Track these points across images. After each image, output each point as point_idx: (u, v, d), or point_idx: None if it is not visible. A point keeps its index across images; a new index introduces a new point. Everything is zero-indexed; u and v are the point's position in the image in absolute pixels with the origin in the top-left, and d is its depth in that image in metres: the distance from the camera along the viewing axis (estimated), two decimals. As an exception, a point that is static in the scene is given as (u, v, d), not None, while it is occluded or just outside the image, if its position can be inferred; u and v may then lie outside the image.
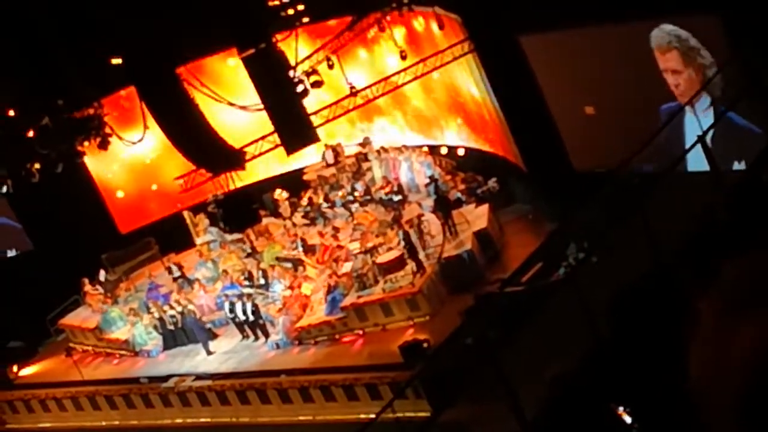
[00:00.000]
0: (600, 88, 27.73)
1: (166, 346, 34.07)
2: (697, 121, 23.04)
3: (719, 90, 23.49)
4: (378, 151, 36.95)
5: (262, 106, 31.42)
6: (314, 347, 30.22)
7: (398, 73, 33.65)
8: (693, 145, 18.89)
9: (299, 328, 30.68)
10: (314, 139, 32.41)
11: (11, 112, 31.82)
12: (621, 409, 13.97)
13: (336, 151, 38.55)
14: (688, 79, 24.85)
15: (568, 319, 16.91)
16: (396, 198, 33.93)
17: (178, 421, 32.66)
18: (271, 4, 31.53)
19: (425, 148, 36.25)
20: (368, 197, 35.22)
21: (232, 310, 32.01)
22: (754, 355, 2.46)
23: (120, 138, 33.84)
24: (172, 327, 33.70)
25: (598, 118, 28.34)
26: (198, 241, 37.80)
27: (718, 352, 2.54)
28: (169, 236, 39.02)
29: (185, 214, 38.52)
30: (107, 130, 32.59)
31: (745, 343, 2.49)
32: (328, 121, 34.22)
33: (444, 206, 31.36)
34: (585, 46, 27.67)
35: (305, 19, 32.40)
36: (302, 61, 32.43)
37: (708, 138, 20.68)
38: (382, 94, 34.32)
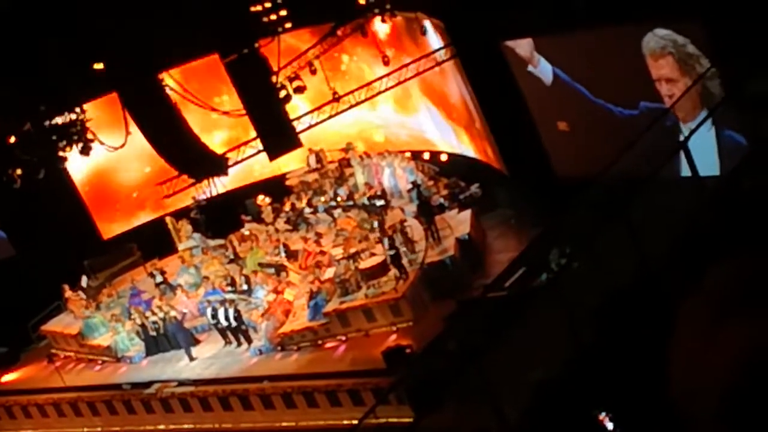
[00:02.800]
0: (583, 94, 27.78)
1: (149, 352, 33.99)
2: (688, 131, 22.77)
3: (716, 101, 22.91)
4: (361, 157, 36.96)
5: (244, 112, 31.39)
6: (297, 353, 30.19)
7: (381, 78, 33.68)
8: (675, 152, 18.89)
9: (282, 333, 30.64)
10: (297, 144, 32.37)
11: (-7, 118, 31.72)
12: (603, 414, 13.99)
13: (318, 156, 38.56)
14: (684, 90, 24.03)
15: (551, 324, 16.92)
16: (379, 203, 33.92)
17: (161, 427, 32.57)
18: (253, 9, 31.50)
19: (408, 154, 36.28)
20: (351, 203, 35.21)
21: (214, 316, 31.97)
22: (737, 358, 2.47)
23: (102, 143, 33.71)
24: (154, 333, 33.63)
25: (579, 126, 28.38)
26: (180, 246, 37.73)
27: (701, 356, 2.54)
28: (152, 242, 38.97)
29: (168, 219, 38.48)
30: (89, 135, 32.48)
31: (728, 347, 2.49)
32: (311, 126, 34.21)
33: (427, 212, 31.38)
34: (569, 51, 27.70)
35: (288, 25, 32.38)
36: (285, 66, 32.40)
37: (715, 152, 20.56)
38: (365, 100, 34.32)
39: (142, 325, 33.82)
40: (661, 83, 25.09)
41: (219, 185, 34.33)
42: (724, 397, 2.47)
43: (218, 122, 37.58)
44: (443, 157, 36.07)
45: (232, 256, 35.79)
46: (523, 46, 28.96)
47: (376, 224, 31.22)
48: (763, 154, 17.97)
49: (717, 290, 2.65)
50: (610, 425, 13.96)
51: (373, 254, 30.26)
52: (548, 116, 29.46)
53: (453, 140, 35.38)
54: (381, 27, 33.02)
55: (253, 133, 33.23)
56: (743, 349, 2.49)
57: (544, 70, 28.79)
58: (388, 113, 38.18)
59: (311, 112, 34.31)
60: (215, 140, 36.56)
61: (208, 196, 35.89)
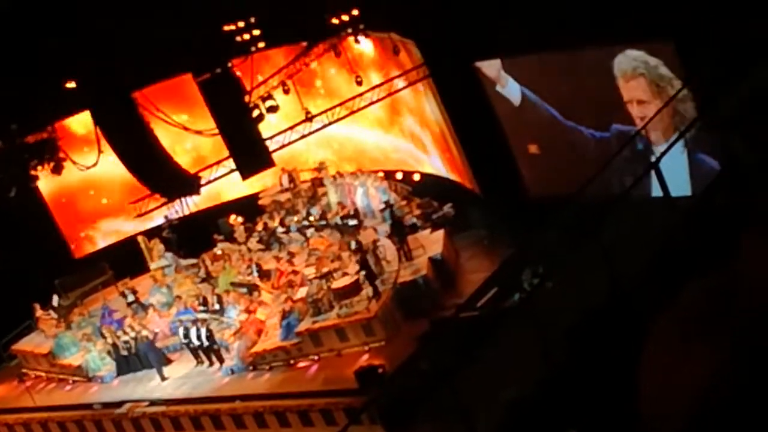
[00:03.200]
0: (553, 116, 27.84)
1: (120, 371, 33.84)
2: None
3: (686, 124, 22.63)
4: (333, 176, 36.97)
5: (217, 131, 31.35)
6: (269, 373, 30.11)
7: (354, 98, 33.70)
8: (646, 172, 18.94)
9: (254, 353, 30.56)
10: (269, 164, 32.36)
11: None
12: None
13: (291, 175, 38.55)
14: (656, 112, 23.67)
15: (524, 344, 16.93)
16: (352, 222, 33.92)
17: (132, 447, 32.44)
18: (226, 29, 31.52)
19: (381, 174, 36.29)
20: (324, 222, 35.19)
21: (186, 336, 31.86)
22: (707, 375, 2.48)
23: (74, 162, 33.65)
24: (125, 352, 33.50)
25: (550, 147, 28.42)
26: (152, 266, 37.61)
27: (673, 373, 2.56)
28: (124, 261, 38.83)
29: (140, 239, 38.38)
30: (61, 154, 32.41)
31: (699, 364, 2.51)
32: (283, 146, 34.18)
33: (399, 231, 31.39)
34: (539, 71, 27.77)
35: (261, 44, 32.40)
36: (258, 86, 32.41)
37: (687, 174, 20.52)
38: (338, 119, 34.33)
39: (114, 345, 33.68)
40: (632, 105, 24.98)
41: (190, 204, 34.31)
42: (694, 412, 2.49)
43: (183, 142, 37.69)
44: (416, 177, 36.10)
45: (204, 276, 35.68)
46: (490, 66, 29.01)
47: (354, 245, 31.12)
48: (734, 173, 18.05)
49: (689, 308, 2.68)
50: (582, 444, 13.97)
51: (345, 274, 30.25)
52: (518, 137, 29.52)
53: (436, 160, 35.33)
54: (354, 47, 33.06)
55: (218, 155, 33.32)
56: (713, 366, 2.51)
57: (512, 90, 28.85)
58: (369, 131, 38.11)
59: (284, 131, 34.27)
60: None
61: (181, 215, 35.83)
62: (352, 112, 34.01)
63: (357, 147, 38.88)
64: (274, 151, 33.05)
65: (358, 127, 37.87)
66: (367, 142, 38.36)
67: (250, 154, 31.27)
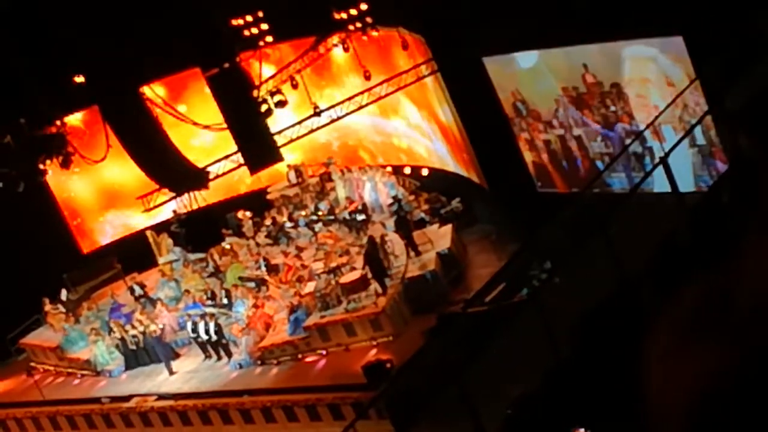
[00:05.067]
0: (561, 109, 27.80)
1: (128, 365, 33.89)
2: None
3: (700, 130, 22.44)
4: (342, 171, 36.96)
5: (225, 126, 31.36)
6: (277, 367, 30.14)
7: (362, 93, 33.69)
8: (654, 168, 18.94)
9: (262, 347, 30.60)
10: (278, 158, 32.38)
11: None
12: (582, 430, 14.00)
13: (299, 170, 38.53)
14: (663, 108, 23.12)
15: (531, 339, 16.93)
16: (360, 217, 33.93)
17: (140, 441, 32.50)
18: (234, 23, 31.52)
19: (389, 168, 36.28)
20: (332, 217, 35.21)
21: (194, 330, 31.90)
22: (703, 378, 2.48)
23: (83, 156, 33.65)
24: (134, 347, 33.54)
25: (560, 141, 28.40)
26: (161, 260, 37.66)
27: (670, 375, 2.55)
28: (132, 256, 38.85)
29: (148, 233, 38.42)
30: (70, 148, 32.42)
31: (696, 367, 2.50)
32: (291, 141, 34.19)
33: (404, 226, 31.35)
34: (547, 67, 27.73)
35: (269, 39, 32.40)
36: (266, 80, 32.41)
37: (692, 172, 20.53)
38: (346, 114, 34.33)
39: (122, 339, 33.72)
40: (639, 101, 24.85)
41: (199, 199, 34.33)
42: (690, 418, 2.48)
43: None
44: (424, 172, 36.08)
45: (212, 270, 35.71)
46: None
47: (365, 240, 31.11)
48: (740, 171, 18.02)
49: (689, 310, 2.66)
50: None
51: (353, 268, 30.26)
52: (522, 132, 29.50)
53: (444, 153, 35.28)
54: (363, 41, 33.04)
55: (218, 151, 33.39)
56: (713, 365, 2.50)
57: None
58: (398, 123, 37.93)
59: (292, 126, 34.28)
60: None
61: (189, 209, 35.84)
62: (360, 107, 34.02)
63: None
64: (283, 145, 33.08)
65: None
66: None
67: (259, 149, 31.27)
